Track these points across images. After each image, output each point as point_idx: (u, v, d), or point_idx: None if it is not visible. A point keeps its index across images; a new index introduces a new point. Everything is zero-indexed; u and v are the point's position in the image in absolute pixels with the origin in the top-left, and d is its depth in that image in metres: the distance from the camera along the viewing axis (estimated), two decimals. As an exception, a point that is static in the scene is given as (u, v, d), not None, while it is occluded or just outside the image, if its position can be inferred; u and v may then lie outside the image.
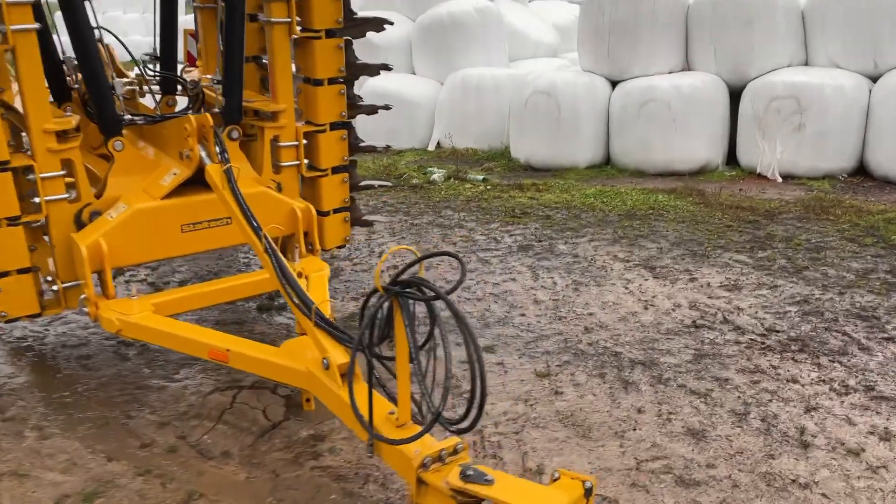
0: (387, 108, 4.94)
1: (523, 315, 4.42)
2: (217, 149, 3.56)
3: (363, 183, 4.94)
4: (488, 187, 7.73)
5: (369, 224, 5.02)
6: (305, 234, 4.03)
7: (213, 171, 3.46)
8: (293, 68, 4.18)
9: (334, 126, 4.29)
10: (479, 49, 10.55)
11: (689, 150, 8.22)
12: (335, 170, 4.37)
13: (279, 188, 4.16)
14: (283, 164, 4.17)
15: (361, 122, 10.04)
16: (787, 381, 3.57)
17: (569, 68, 9.80)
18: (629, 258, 5.32)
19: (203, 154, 3.60)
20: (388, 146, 5.06)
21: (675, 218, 6.33)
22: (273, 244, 3.16)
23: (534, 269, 5.17)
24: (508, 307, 4.54)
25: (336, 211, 4.44)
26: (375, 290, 2.37)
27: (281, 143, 4.13)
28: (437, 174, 8.15)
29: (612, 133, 8.74)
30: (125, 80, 4.32)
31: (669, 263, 5.18)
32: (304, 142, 4.20)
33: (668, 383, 3.58)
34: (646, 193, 7.17)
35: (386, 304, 2.37)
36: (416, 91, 10.50)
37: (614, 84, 8.73)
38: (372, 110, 4.83)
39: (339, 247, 4.56)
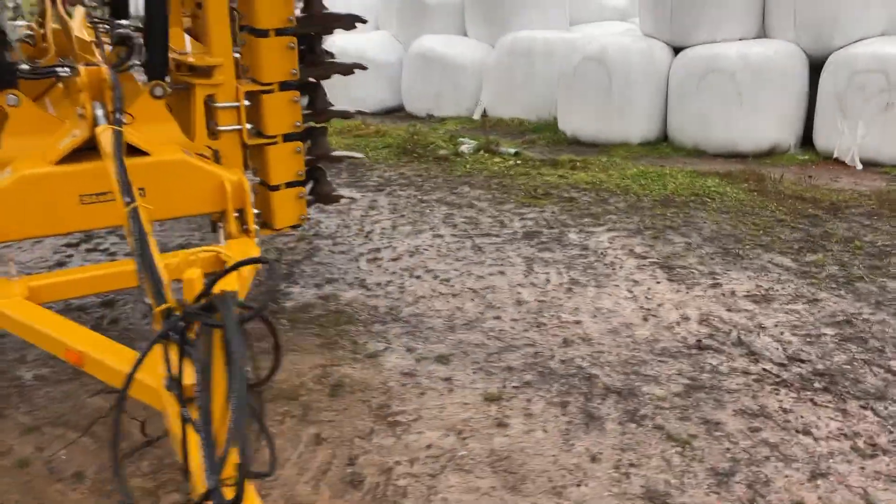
0: (361, 67, 4.29)
1: (498, 318, 3.73)
2: (113, 107, 3.02)
3: (336, 153, 4.33)
4: (518, 162, 6.99)
5: (336, 200, 4.41)
6: (240, 213, 3.47)
7: (101, 134, 2.92)
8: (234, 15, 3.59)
9: (285, 86, 3.68)
10: (535, 10, 9.68)
11: (755, 128, 7.22)
12: (287, 138, 3.77)
13: (216, 157, 3.60)
14: (220, 128, 3.61)
15: (406, 86, 9.35)
16: (797, 431, 2.78)
17: (629, 33, 8.85)
18: (646, 254, 4.52)
19: (99, 113, 3.07)
20: (360, 111, 4.41)
21: (719, 207, 5.45)
22: (143, 226, 2.59)
23: (530, 261, 4.46)
24: (484, 307, 3.86)
25: (289, 185, 3.84)
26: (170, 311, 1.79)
27: (217, 104, 3.56)
28: (467, 145, 7.45)
29: (670, 106, 7.80)
30: (23, 23, 3.82)
31: (693, 263, 4.37)
32: (246, 103, 3.61)
33: (642, 422, 2.85)
34: (693, 176, 6.28)
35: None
36: (463, 54, 9.76)
37: (678, 51, 7.77)
38: (346, 70, 4.20)
39: (295, 227, 3.98)
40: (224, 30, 3.49)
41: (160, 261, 2.49)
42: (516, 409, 2.95)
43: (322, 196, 4.30)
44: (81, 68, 3.04)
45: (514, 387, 3.12)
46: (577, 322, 3.66)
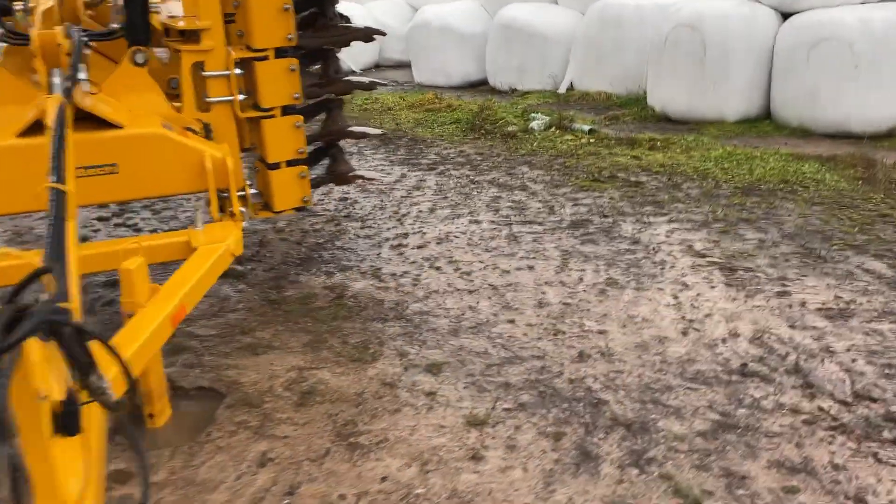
0: (380, 33, 3.85)
1: (511, 322, 3.24)
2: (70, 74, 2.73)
3: (355, 129, 3.94)
4: (591, 140, 6.36)
5: (354, 180, 4.02)
6: (227, 193, 3.14)
7: (48, 104, 2.63)
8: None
9: (281, 53, 3.30)
10: (633, -28, 8.89)
11: (872, 106, 6.28)
12: (285, 111, 3.39)
13: (207, 130, 3.28)
14: (210, 99, 3.28)
15: (490, 58, 8.79)
16: (847, 497, 2.16)
17: (734, -3, 7.94)
18: (707, 252, 3.88)
19: (57, 81, 2.79)
20: (374, 82, 3.96)
21: (812, 197, 4.68)
22: (62, 210, 2.27)
23: (568, 255, 3.91)
24: (500, 307, 3.38)
25: (290, 164, 3.48)
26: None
27: (206, 73, 3.23)
28: (538, 122, 6.88)
29: (774, 80, 6.93)
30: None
31: (761, 265, 3.70)
32: (238, 71, 3.26)
33: (647, 468, 2.31)
34: (788, 160, 5.48)
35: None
36: (552, 23, 9.11)
37: (786, 17, 6.87)
38: (364, 36, 3.78)
39: (299, 209, 3.61)
40: (212, -13, 3.14)
41: (74, 251, 2.16)
42: (499, 439, 2.48)
43: (337, 176, 3.93)
44: (33, 32, 2.77)
45: (504, 409, 2.64)
46: (602, 332, 3.12)
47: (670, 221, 4.34)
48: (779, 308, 3.25)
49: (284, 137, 3.42)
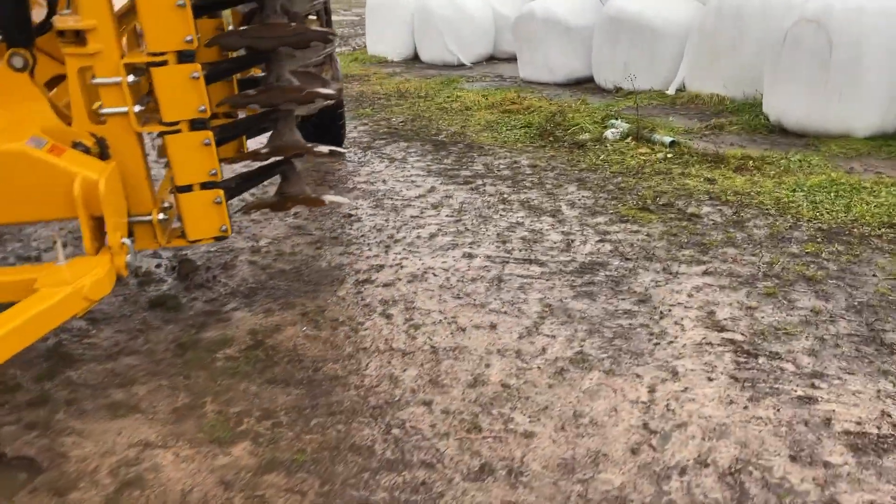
0: (331, 34, 3.24)
1: (427, 405, 2.55)
2: None
3: (307, 146, 3.35)
4: (669, 155, 5.40)
5: (291, 206, 3.44)
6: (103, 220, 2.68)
7: None
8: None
9: (183, 57, 2.77)
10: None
11: None
12: (194, 125, 2.87)
13: (101, 146, 2.82)
14: (103, 111, 2.81)
15: (596, 53, 7.89)
16: None
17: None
18: (732, 324, 2.96)
19: None
20: (331, 95, 3.31)
21: (918, 251, 3.56)
22: None
23: (549, 312, 3.13)
24: (427, 381, 2.68)
25: (204, 187, 2.96)
26: None
27: (96, 80, 2.76)
28: (614, 130, 5.97)
29: (920, 88, 5.59)
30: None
31: (796, 351, 2.74)
32: (131, 78, 2.77)
33: None
34: (909, 195, 4.30)
35: None
36: (663, 15, 8.02)
37: (942, 10, 5.51)
38: (321, 38, 3.19)
39: (218, 238, 3.08)
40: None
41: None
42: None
43: (277, 201, 3.37)
44: None
45: (339, 543, 1.97)
46: (529, 435, 2.35)
47: (705, 274, 3.42)
48: (788, 424, 2.33)
49: (193, 156, 2.90)
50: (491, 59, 11.39)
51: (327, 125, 5.51)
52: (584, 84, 9.07)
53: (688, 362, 2.69)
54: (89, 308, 2.57)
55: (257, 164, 3.42)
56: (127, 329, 3.19)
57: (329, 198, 3.55)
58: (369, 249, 3.91)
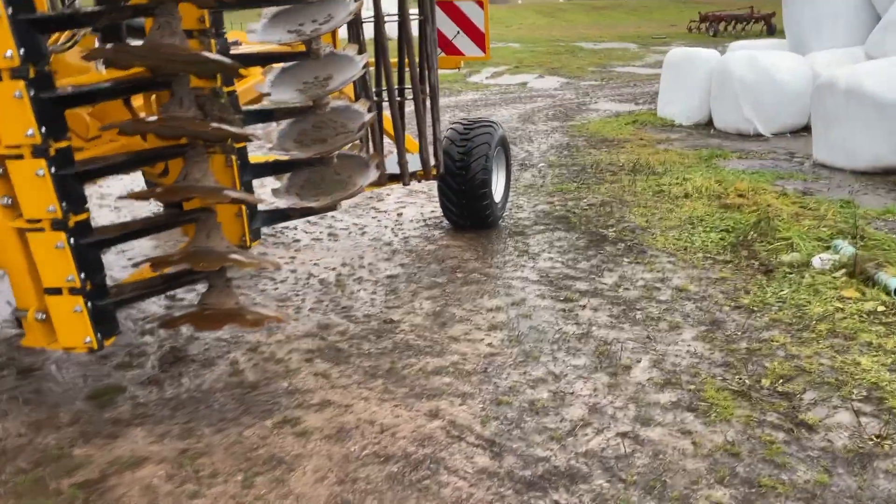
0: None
1: None
2: None
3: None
4: (880, 308, 3.71)
5: (175, 325, 2.89)
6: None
7: None
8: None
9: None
10: None
11: None
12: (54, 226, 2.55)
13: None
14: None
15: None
16: None
17: None
18: None
19: None
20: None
21: None
22: None
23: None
24: None
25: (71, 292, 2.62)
26: None
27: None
28: (829, 257, 4.33)
29: None
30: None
31: None
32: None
33: None
34: None
35: None
36: None
37: None
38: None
39: (91, 350, 2.71)
40: None
41: None
42: None
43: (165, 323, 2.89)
44: None
45: None
46: None
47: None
48: None
49: (49, 258, 2.59)
50: (804, 129, 9.50)
51: (469, 200, 4.90)
52: (893, 175, 7.00)
53: None
54: None
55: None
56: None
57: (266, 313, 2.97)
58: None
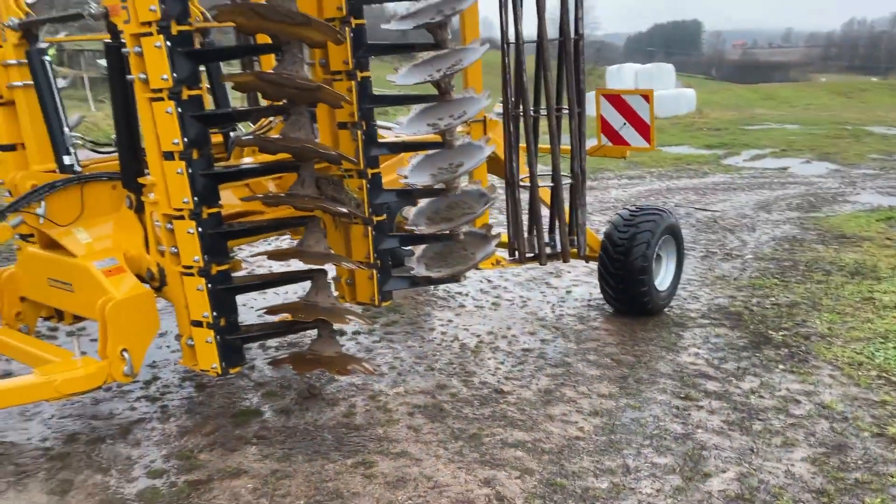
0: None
1: None
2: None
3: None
4: None
5: (310, 368, 3.34)
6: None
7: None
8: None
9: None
10: None
11: None
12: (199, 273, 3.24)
13: (161, 275, 3.45)
14: (160, 247, 3.43)
15: None
16: None
17: None
18: None
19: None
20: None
21: None
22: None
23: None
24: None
25: (209, 326, 3.29)
26: None
27: (157, 223, 3.41)
28: None
29: None
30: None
31: None
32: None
33: None
34: None
35: None
36: None
37: None
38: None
39: (219, 375, 3.35)
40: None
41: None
42: None
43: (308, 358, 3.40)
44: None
45: None
46: None
47: None
48: None
49: (194, 297, 3.27)
50: None
51: (627, 285, 5.00)
52: None
53: None
54: (59, 398, 3.22)
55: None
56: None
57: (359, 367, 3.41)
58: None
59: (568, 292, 5.85)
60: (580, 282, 6.06)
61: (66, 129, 3.76)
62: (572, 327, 5.05)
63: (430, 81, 3.56)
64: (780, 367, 4.37)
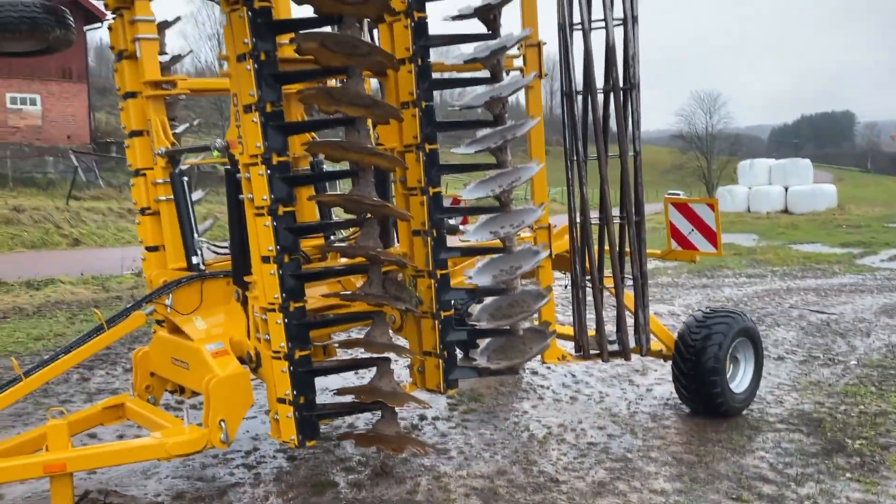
0: None
1: None
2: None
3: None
4: None
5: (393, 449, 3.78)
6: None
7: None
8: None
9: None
10: None
11: None
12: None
13: (258, 358, 4.09)
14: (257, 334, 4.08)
15: None
16: None
17: None
18: None
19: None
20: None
21: None
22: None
23: None
24: None
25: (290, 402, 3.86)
26: None
27: (256, 314, 4.07)
28: None
29: None
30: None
31: None
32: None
33: None
34: None
35: None
36: None
37: None
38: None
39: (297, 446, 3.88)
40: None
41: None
42: None
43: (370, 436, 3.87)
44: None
45: None
46: None
47: None
48: None
49: (278, 378, 3.86)
50: None
51: (699, 386, 5.15)
52: None
53: None
54: (169, 459, 3.85)
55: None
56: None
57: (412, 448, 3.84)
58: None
59: (648, 390, 6.01)
60: (664, 380, 6.20)
61: (195, 235, 4.57)
62: (643, 424, 5.23)
63: (492, 196, 4.10)
64: (847, 475, 4.36)
